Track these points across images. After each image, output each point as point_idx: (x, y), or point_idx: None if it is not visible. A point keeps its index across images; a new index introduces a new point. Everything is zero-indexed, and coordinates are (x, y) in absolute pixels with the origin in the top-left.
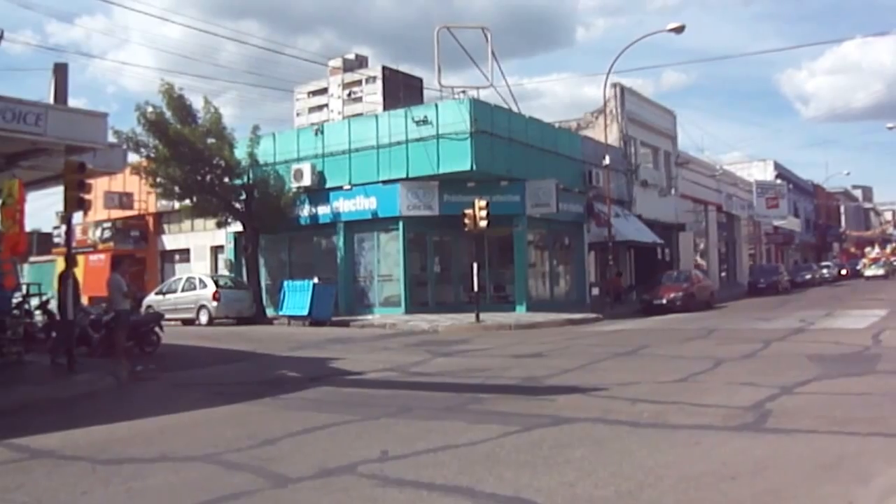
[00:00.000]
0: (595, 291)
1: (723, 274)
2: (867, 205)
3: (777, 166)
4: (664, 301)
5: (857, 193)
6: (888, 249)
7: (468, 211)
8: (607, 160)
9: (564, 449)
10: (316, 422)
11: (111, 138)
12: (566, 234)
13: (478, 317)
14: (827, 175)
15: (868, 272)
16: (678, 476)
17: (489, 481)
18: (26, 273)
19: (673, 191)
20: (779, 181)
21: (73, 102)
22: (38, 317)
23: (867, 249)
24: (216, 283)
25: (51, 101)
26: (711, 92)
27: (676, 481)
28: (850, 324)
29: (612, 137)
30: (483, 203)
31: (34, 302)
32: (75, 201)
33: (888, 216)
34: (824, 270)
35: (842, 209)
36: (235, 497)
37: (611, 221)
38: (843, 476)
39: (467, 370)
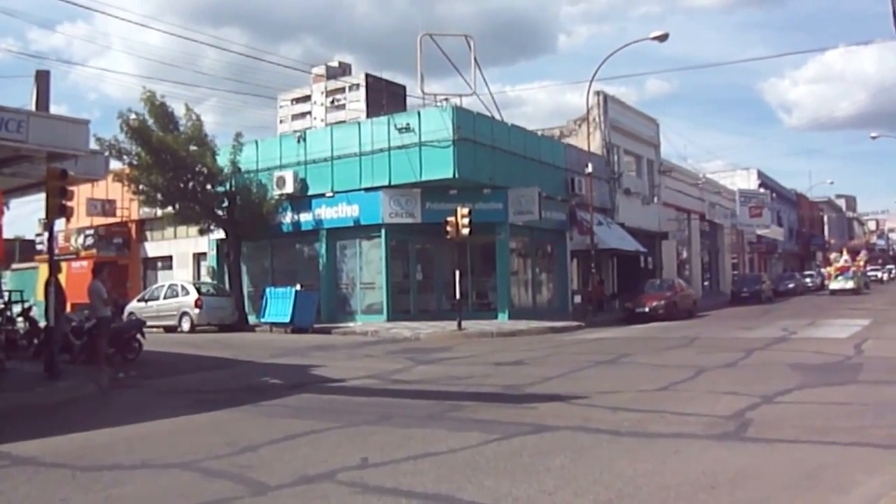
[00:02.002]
0: (577, 299)
1: (705, 283)
2: (851, 214)
3: (760, 175)
4: (646, 309)
5: (841, 203)
6: (860, 259)
7: (450, 218)
8: (590, 168)
9: (544, 457)
10: (296, 429)
11: (93, 145)
12: (549, 242)
13: (460, 324)
14: (810, 184)
15: (833, 285)
16: (657, 485)
17: (469, 489)
18: (9, 280)
19: (656, 199)
20: (762, 190)
21: (54, 109)
22: (21, 324)
23: (833, 256)
24: (198, 290)
25: (32, 108)
26: (695, 100)
27: (655, 490)
28: (832, 333)
29: (595, 145)
30: (465, 210)
31: (16, 309)
32: (57, 208)
33: (872, 226)
34: (807, 280)
35: (825, 219)
36: None
37: (593, 229)
38: (823, 486)
39: (449, 378)
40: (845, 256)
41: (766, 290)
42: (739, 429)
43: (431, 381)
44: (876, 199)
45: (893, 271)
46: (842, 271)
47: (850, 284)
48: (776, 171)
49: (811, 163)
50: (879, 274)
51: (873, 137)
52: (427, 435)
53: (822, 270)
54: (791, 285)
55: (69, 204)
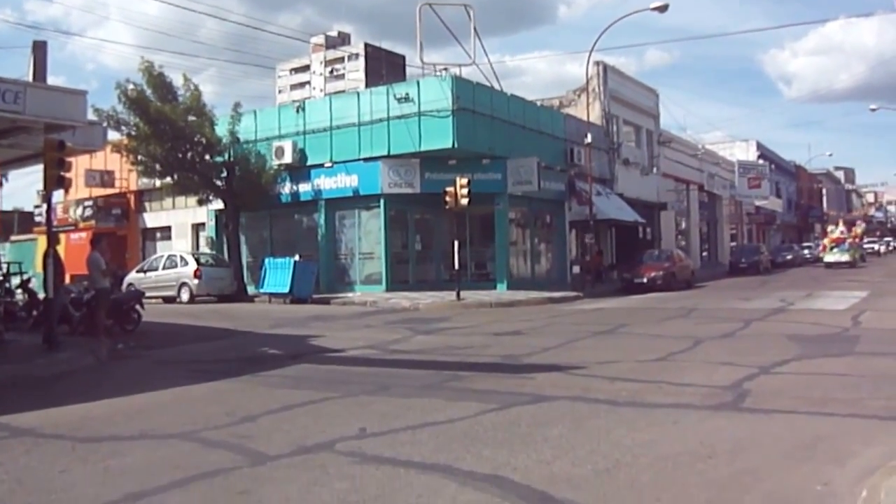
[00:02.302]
0: (576, 270)
1: (704, 253)
2: (849, 186)
3: (759, 146)
4: (645, 280)
5: (840, 175)
6: (857, 230)
7: (449, 189)
8: (589, 138)
9: (542, 427)
10: (295, 399)
11: (91, 116)
12: (548, 213)
13: (458, 295)
14: (809, 156)
15: (828, 257)
16: (655, 455)
17: (467, 459)
18: (8, 252)
19: (655, 170)
20: (761, 161)
21: (52, 80)
22: (19, 296)
23: (830, 228)
24: (197, 260)
25: (30, 79)
26: (694, 71)
27: (654, 460)
28: (830, 305)
29: (595, 116)
30: (464, 181)
31: (15, 281)
32: (55, 179)
33: (870, 198)
34: (805, 251)
35: (824, 190)
36: (213, 475)
37: (592, 200)
38: (820, 457)
39: (447, 348)
40: (841, 228)
41: (765, 261)
42: (737, 399)
43: (430, 351)
44: (875, 172)
45: (892, 244)
46: (837, 243)
47: (845, 257)
48: (775, 142)
49: (810, 135)
50: (876, 246)
51: (872, 110)
52: (426, 405)
53: (821, 242)
54: (789, 256)
55: (67, 175)
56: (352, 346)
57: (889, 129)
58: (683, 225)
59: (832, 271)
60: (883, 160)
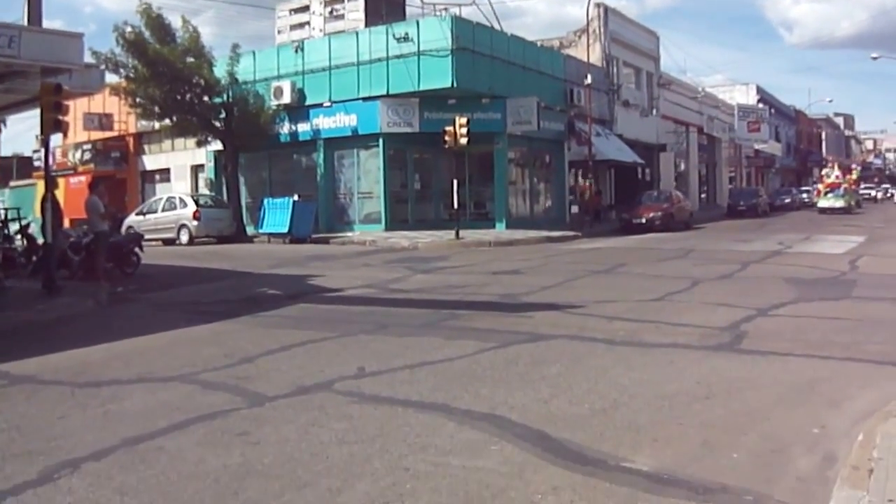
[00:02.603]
0: (575, 209)
1: (703, 195)
2: (848, 132)
3: (759, 90)
4: (643, 220)
5: (839, 121)
6: (853, 175)
7: (449, 128)
8: (589, 79)
9: (540, 366)
10: (294, 339)
11: (88, 59)
12: (547, 153)
13: (457, 234)
14: (809, 101)
15: (822, 202)
16: (653, 394)
17: (464, 398)
18: (7, 198)
19: (654, 111)
20: (761, 105)
21: (48, 24)
22: (19, 242)
23: (825, 172)
24: (196, 202)
25: (25, 22)
26: (695, 14)
27: (651, 399)
28: (827, 248)
29: (595, 57)
30: (463, 120)
31: (14, 227)
32: (52, 123)
33: (869, 145)
34: (804, 195)
35: (823, 136)
36: (212, 417)
37: (591, 140)
38: (816, 399)
39: (446, 287)
40: (836, 172)
41: (763, 204)
42: (734, 340)
43: (429, 290)
44: (874, 119)
45: (890, 191)
46: (832, 188)
47: (840, 203)
48: (775, 87)
49: (810, 80)
50: (874, 192)
51: (874, 58)
52: (424, 344)
53: (816, 186)
54: (787, 200)
55: (65, 119)
56: (351, 286)
57: (889, 78)
58: (682, 167)
59: (828, 216)
60: (882, 109)
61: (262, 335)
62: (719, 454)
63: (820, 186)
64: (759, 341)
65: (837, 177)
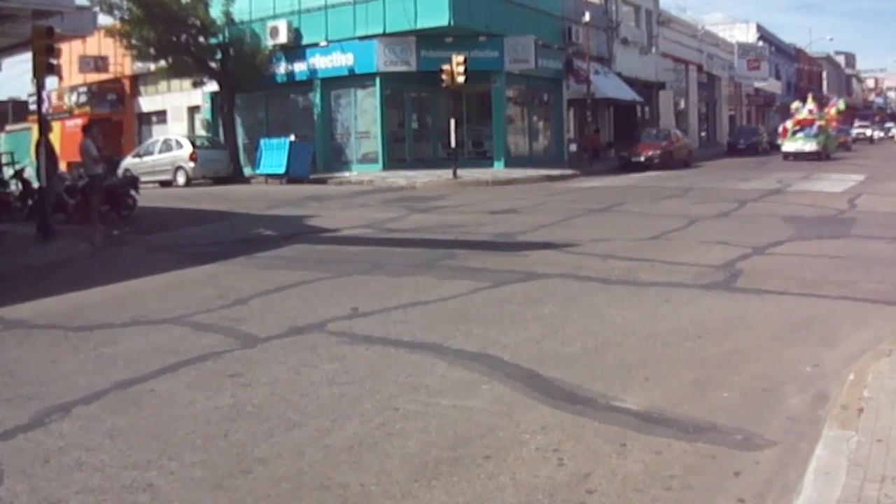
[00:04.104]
0: (573, 148)
1: (702, 134)
2: (849, 71)
3: (759, 28)
4: (642, 159)
5: (840, 59)
6: (832, 110)
7: (446, 66)
8: (587, 17)
9: (534, 305)
10: (288, 280)
11: (81, 1)
12: (545, 91)
13: (455, 173)
14: (810, 39)
15: (788, 145)
16: (646, 333)
17: (457, 337)
18: (3, 142)
19: (653, 49)
20: (760, 43)
21: None
22: (14, 186)
23: (794, 105)
24: (193, 143)
25: None
26: None
27: (644, 338)
28: (827, 187)
29: None
30: (461, 58)
31: (8, 171)
32: (45, 67)
33: (870, 83)
34: None
35: (824, 74)
36: (204, 358)
37: (590, 78)
38: (810, 338)
39: (442, 226)
40: (809, 106)
41: (763, 142)
42: (729, 279)
43: (425, 230)
44: (875, 59)
45: (892, 130)
46: (802, 126)
47: (810, 146)
48: (775, 24)
49: (811, 18)
50: (868, 131)
51: None
52: (418, 283)
53: (783, 125)
54: None
55: (58, 62)
56: (347, 226)
57: (891, 17)
58: (682, 105)
59: (793, 162)
60: (884, 48)
61: (257, 276)
62: (710, 393)
63: (788, 124)
64: (755, 280)
65: (811, 111)
